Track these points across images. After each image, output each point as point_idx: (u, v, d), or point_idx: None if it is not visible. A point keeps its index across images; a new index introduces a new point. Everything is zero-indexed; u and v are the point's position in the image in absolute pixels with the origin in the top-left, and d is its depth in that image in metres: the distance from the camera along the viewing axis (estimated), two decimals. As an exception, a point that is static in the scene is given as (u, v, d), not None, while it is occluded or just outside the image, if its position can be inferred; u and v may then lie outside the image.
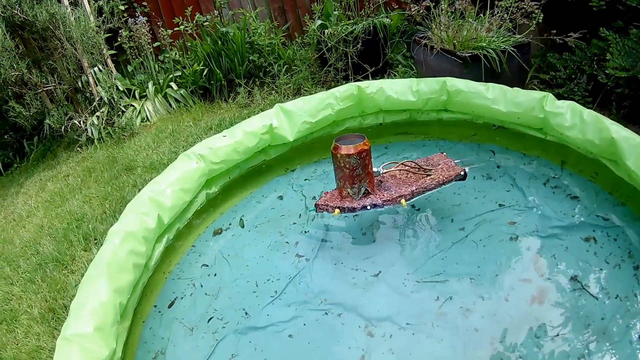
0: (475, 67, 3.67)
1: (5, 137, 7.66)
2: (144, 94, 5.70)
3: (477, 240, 2.30)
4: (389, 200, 2.55)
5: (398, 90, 3.19)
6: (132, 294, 2.43)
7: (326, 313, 2.22)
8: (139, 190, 4.06)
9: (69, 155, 5.71)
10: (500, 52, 3.63)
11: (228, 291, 2.58)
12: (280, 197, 3.13)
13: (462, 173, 2.63)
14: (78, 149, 5.64)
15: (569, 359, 1.74)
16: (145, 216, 2.61)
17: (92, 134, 5.42)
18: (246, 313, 2.40)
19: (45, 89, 6.15)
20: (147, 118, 5.48)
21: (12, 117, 6.30)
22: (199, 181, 2.98)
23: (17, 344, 3.23)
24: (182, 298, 2.63)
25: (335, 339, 2.08)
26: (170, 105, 5.64)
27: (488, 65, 3.63)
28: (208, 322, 2.42)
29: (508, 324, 1.89)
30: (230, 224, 3.03)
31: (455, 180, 2.63)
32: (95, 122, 5.42)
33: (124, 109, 5.54)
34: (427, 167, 2.72)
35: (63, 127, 5.71)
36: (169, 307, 2.61)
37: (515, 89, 2.83)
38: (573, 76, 3.60)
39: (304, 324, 2.21)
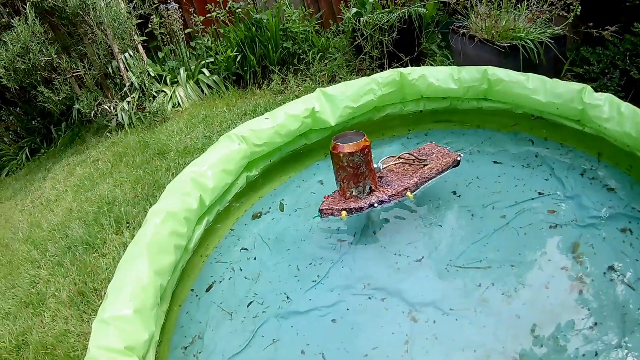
0: (513, 57, 3.62)
1: (33, 122, 7.67)
2: (175, 80, 5.64)
3: (518, 227, 2.26)
4: (395, 194, 2.50)
5: (440, 78, 3.12)
6: (171, 276, 2.32)
7: (369, 298, 2.17)
8: (173, 174, 4.01)
9: (98, 140, 5.67)
10: (538, 44, 3.57)
11: (268, 275, 2.51)
12: (321, 182, 3.05)
13: (458, 159, 2.67)
14: (107, 134, 5.59)
15: (607, 348, 1.71)
16: (187, 197, 2.51)
17: (122, 119, 5.35)
18: (288, 297, 2.33)
19: (74, 74, 6.12)
20: (179, 104, 5.41)
21: (41, 102, 6.29)
22: (240, 163, 2.90)
23: (44, 328, 3.16)
24: (220, 282, 2.57)
25: (378, 324, 2.04)
26: (202, 91, 5.57)
27: (526, 56, 3.58)
28: (248, 306, 2.36)
29: (548, 311, 1.87)
30: (270, 208, 2.96)
31: (452, 167, 2.66)
32: (126, 107, 5.35)
33: (155, 94, 5.47)
34: (423, 158, 2.73)
35: (93, 112, 5.66)
36: (207, 291, 2.54)
37: (555, 79, 2.77)
38: (606, 70, 3.52)
39: (347, 309, 2.16)
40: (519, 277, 2.04)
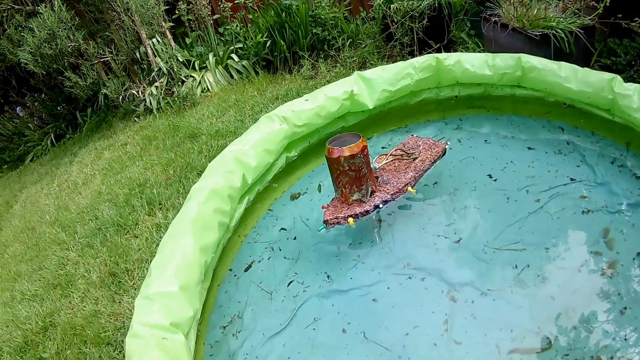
0: (545, 46, 3.62)
1: (58, 108, 7.69)
2: (204, 65, 5.61)
3: (552, 211, 2.29)
4: (397, 192, 2.48)
5: (475, 64, 3.13)
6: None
7: (409, 277, 2.19)
8: (206, 156, 3.97)
9: (125, 125, 5.66)
10: (568, 33, 3.57)
11: (309, 255, 2.52)
12: None
13: (446, 147, 2.76)
14: (135, 119, 5.57)
15: (636, 333, 1.74)
16: (230, 175, 2.50)
17: (150, 103, 5.33)
18: (328, 277, 2.34)
19: (101, 59, 6.10)
20: (208, 88, 5.37)
21: (68, 88, 6.28)
22: (281, 143, 2.90)
23: (73, 309, 3.14)
24: (259, 262, 2.56)
25: (419, 303, 2.06)
26: (231, 76, 5.53)
27: (557, 45, 3.57)
28: (288, 285, 2.37)
29: (581, 294, 1.90)
30: (307, 189, 2.96)
31: (441, 157, 2.75)
32: (154, 92, 5.33)
33: (184, 79, 5.43)
34: (411, 152, 2.75)
35: (120, 97, 5.63)
36: (246, 270, 2.53)
37: (586, 69, 2.78)
38: (633, 62, 3.51)
39: (388, 288, 2.18)
40: (553, 260, 2.07)
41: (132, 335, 1.84)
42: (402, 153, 2.74)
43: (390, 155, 2.74)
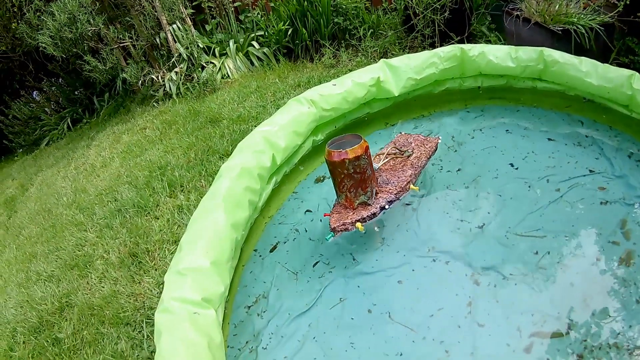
0: (565, 42, 3.69)
1: (76, 93, 7.71)
2: (224, 52, 5.60)
3: (571, 201, 2.32)
4: (400, 191, 2.46)
5: (498, 56, 3.15)
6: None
7: (434, 260, 2.21)
8: (228, 140, 3.96)
9: (144, 110, 5.66)
10: (589, 30, 3.64)
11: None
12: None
13: (438, 141, 2.79)
14: (154, 104, 5.58)
15: None
16: (260, 154, 2.50)
17: (169, 89, 5.33)
18: (354, 258, 2.35)
19: (121, 44, 6.10)
20: (228, 75, 5.37)
21: (87, 72, 6.29)
22: (310, 126, 2.90)
23: (90, 289, 3.14)
24: (285, 243, 2.57)
25: (443, 285, 2.09)
26: (252, 63, 5.52)
27: (578, 41, 3.65)
28: (314, 266, 2.38)
29: (599, 282, 1.94)
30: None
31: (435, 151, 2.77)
32: (174, 77, 5.33)
33: (204, 64, 5.43)
34: (404, 149, 2.75)
35: (139, 82, 5.63)
36: (271, 251, 2.54)
37: (606, 65, 2.81)
38: None
39: (413, 270, 2.20)
40: (573, 247, 2.10)
41: (163, 310, 1.83)
42: (396, 151, 2.73)
43: (387, 154, 2.72)
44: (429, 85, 3.33)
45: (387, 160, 2.70)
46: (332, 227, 2.32)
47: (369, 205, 2.39)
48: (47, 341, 2.90)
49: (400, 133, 2.93)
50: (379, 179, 2.56)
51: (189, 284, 1.87)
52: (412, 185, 2.49)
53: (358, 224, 2.29)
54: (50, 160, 6.53)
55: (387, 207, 2.39)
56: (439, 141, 2.78)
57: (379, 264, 2.28)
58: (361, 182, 2.33)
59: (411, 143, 2.79)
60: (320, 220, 2.62)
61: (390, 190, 2.44)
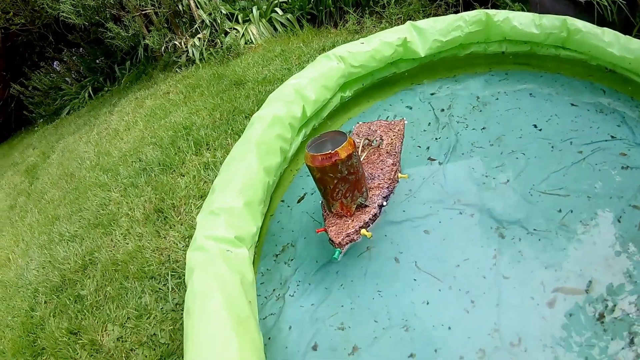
0: (588, 14, 3.66)
1: (97, 61, 7.74)
2: (247, 18, 5.59)
3: (593, 163, 2.31)
4: (391, 182, 2.34)
5: (522, 22, 3.15)
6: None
7: (460, 213, 2.21)
8: (253, 101, 3.97)
9: (166, 75, 5.68)
10: (612, 3, 3.60)
11: None
12: (409, 107, 3.07)
13: (405, 122, 2.69)
14: (177, 69, 5.59)
15: None
16: (291, 105, 2.51)
17: (193, 54, 5.34)
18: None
19: (143, 12, 6.10)
20: (251, 41, 5.36)
21: (108, 39, 6.31)
22: (338, 81, 2.92)
23: (114, 246, 3.19)
24: (312, 194, 2.57)
25: (469, 237, 2.08)
26: (275, 29, 5.51)
27: (600, 13, 3.62)
28: None
29: (620, 243, 1.92)
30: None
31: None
32: (197, 43, 5.34)
33: (227, 30, 5.43)
34: (372, 138, 2.62)
35: (162, 48, 5.65)
36: (298, 202, 2.54)
37: (627, 36, 2.81)
38: None
39: (439, 221, 2.20)
40: (595, 208, 2.09)
41: (196, 249, 1.85)
42: (367, 142, 2.59)
43: (362, 146, 2.57)
44: (454, 48, 3.34)
45: (367, 152, 2.53)
46: (337, 242, 2.08)
47: (366, 206, 2.21)
48: (69, 299, 2.95)
49: (358, 123, 2.79)
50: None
51: (222, 223, 1.89)
52: (400, 174, 2.37)
53: (363, 231, 2.10)
54: (72, 127, 6.58)
55: (385, 203, 2.26)
56: (406, 122, 2.70)
57: (406, 214, 2.27)
58: (356, 182, 2.11)
59: (376, 131, 2.65)
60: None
61: (380, 185, 2.29)
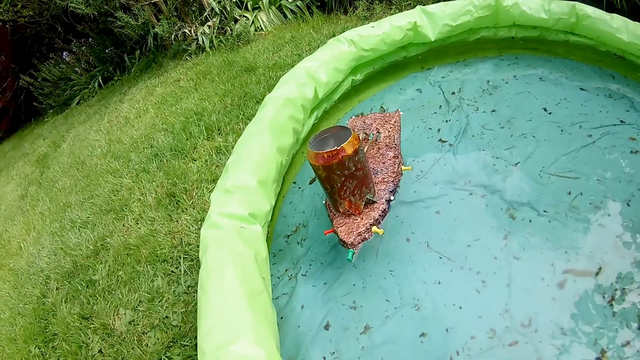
0: (597, 0, 3.62)
1: (106, 51, 7.77)
2: (256, 6, 5.59)
3: (603, 147, 2.32)
4: (396, 175, 2.30)
5: (532, 7, 3.16)
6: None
7: (470, 194, 2.24)
8: (264, 87, 3.98)
9: (176, 63, 5.69)
10: None
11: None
12: (419, 90, 3.09)
13: (401, 114, 2.64)
14: (187, 57, 5.61)
15: None
16: (303, 86, 2.53)
17: (202, 42, 5.36)
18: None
19: (152, 1, 6.11)
20: (261, 28, 5.37)
21: (118, 29, 6.33)
22: (349, 64, 2.95)
23: (127, 231, 3.21)
24: None
25: (479, 218, 2.11)
26: (284, 16, 5.52)
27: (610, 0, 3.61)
28: None
29: (630, 226, 1.94)
30: (370, 110, 3.00)
31: None
32: (207, 31, 5.35)
33: (237, 17, 5.44)
34: (369, 132, 2.56)
35: (172, 36, 5.66)
36: (310, 183, 2.57)
37: (636, 22, 2.80)
38: None
39: (450, 202, 2.22)
40: (604, 191, 2.10)
41: (210, 226, 1.87)
42: (365, 136, 2.54)
43: (362, 141, 2.49)
44: (464, 32, 3.36)
45: (365, 147, 2.46)
46: (349, 242, 2.01)
47: (374, 202, 2.14)
48: (81, 284, 2.97)
49: (352, 117, 2.72)
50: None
51: (236, 200, 1.91)
52: (403, 167, 2.34)
53: (374, 228, 2.05)
54: (82, 117, 6.61)
55: (392, 198, 2.21)
56: (402, 114, 2.67)
57: (417, 195, 2.30)
58: (364, 178, 2.03)
59: (371, 124, 2.59)
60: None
61: (385, 180, 2.24)
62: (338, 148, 1.86)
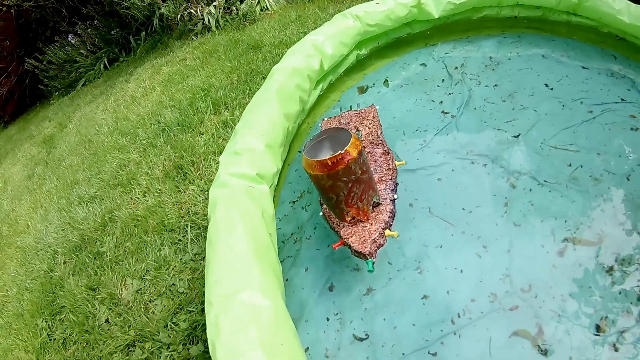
0: None
1: (112, 33, 7.80)
2: (263, -14, 5.62)
3: (603, 123, 2.33)
4: (393, 172, 2.23)
5: None
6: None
7: (472, 162, 2.26)
8: (270, 63, 4.02)
9: (182, 43, 5.72)
10: None
11: None
12: (423, 65, 3.12)
13: (377, 108, 2.61)
14: (193, 37, 5.64)
15: None
16: (309, 58, 2.59)
17: (208, 22, 5.39)
18: (397, 156, 2.40)
19: (158, -19, 6.15)
20: (267, 7, 5.40)
21: (124, 10, 6.36)
22: (354, 39, 2.99)
23: (134, 203, 3.26)
24: None
25: (481, 186, 2.14)
26: (291, -4, 5.56)
27: None
28: None
29: (629, 200, 1.95)
30: (374, 84, 3.03)
31: None
32: (213, 11, 5.38)
33: (243, -3, 5.49)
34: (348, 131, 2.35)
35: (178, 17, 5.70)
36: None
37: (637, 5, 2.81)
38: None
39: (452, 170, 2.25)
40: (604, 165, 2.11)
41: (219, 185, 1.92)
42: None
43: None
44: (467, 11, 3.39)
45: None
46: (366, 252, 1.83)
47: (379, 204, 2.02)
48: (89, 257, 3.02)
49: (324, 119, 2.63)
50: None
51: (244, 161, 1.96)
52: (397, 162, 2.25)
53: (387, 232, 1.91)
54: (88, 97, 6.63)
55: (396, 196, 2.10)
56: (377, 108, 2.63)
57: (420, 163, 2.33)
58: (369, 181, 1.88)
59: (347, 123, 2.49)
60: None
61: (383, 179, 2.16)
62: (342, 152, 1.68)
